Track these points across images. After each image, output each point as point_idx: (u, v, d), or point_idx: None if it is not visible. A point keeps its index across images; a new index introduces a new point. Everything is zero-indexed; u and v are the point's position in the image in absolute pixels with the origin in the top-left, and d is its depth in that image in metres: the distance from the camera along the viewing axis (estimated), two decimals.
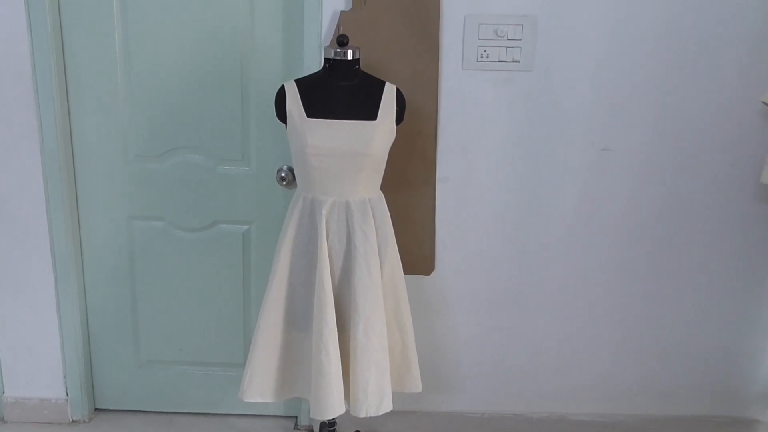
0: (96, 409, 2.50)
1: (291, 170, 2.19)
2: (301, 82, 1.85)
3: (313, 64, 2.08)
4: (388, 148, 1.87)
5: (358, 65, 1.86)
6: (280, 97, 1.84)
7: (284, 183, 2.21)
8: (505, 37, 2.08)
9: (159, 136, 2.23)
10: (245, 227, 2.32)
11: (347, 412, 1.88)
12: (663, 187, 2.22)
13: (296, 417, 2.48)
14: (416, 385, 2.00)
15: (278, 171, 2.22)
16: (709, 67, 2.11)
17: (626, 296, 2.32)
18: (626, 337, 2.36)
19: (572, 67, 2.11)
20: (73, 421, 2.43)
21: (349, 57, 1.83)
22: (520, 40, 2.09)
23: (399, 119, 1.87)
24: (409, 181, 2.20)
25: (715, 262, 2.29)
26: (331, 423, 2.17)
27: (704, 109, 2.15)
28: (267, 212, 2.29)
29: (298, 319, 1.91)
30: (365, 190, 1.85)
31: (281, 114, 1.84)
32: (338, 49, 1.82)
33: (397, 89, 1.87)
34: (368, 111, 1.81)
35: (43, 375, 2.39)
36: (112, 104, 2.21)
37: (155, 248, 2.34)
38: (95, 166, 2.27)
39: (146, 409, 2.49)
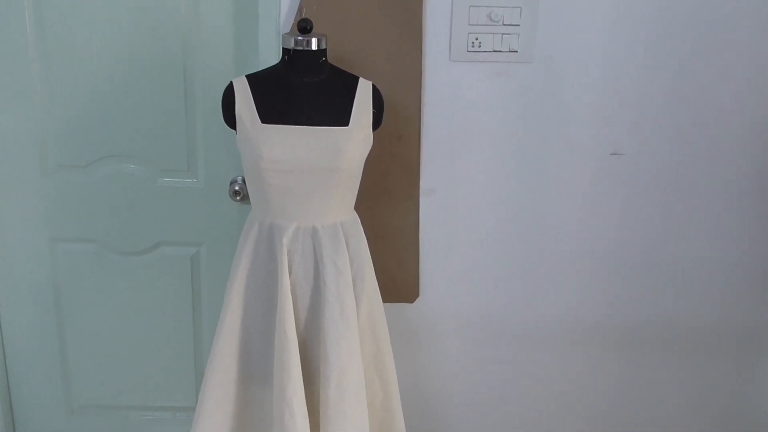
0: None
1: None
2: (253, 79, 1.49)
3: (270, 55, 1.73)
4: (364, 159, 1.53)
5: (325, 57, 1.51)
6: (228, 98, 1.48)
7: (238, 198, 1.87)
8: (501, 23, 1.75)
9: (85, 142, 1.87)
10: (193, 249, 1.98)
11: None
12: (682, 197, 1.92)
13: None
14: None
15: (231, 183, 1.88)
16: (733, 60, 1.82)
17: (642, 323, 2.02)
18: (641, 370, 2.07)
19: (578, 58, 1.80)
20: None
21: (314, 47, 1.47)
22: (518, 25, 1.76)
23: (376, 123, 1.53)
24: (389, 194, 1.87)
25: (746, 284, 2.00)
26: None
27: (729, 109, 1.86)
28: (219, 232, 1.95)
29: (255, 371, 1.56)
30: (336, 213, 1.50)
31: (230, 118, 1.49)
32: (300, 37, 1.46)
33: (374, 86, 1.53)
34: (338, 114, 1.47)
35: None
36: (26, 103, 1.83)
37: (86, 276, 1.98)
38: (7, 179, 1.90)
39: None
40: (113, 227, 1.94)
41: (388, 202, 1.88)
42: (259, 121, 1.44)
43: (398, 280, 1.95)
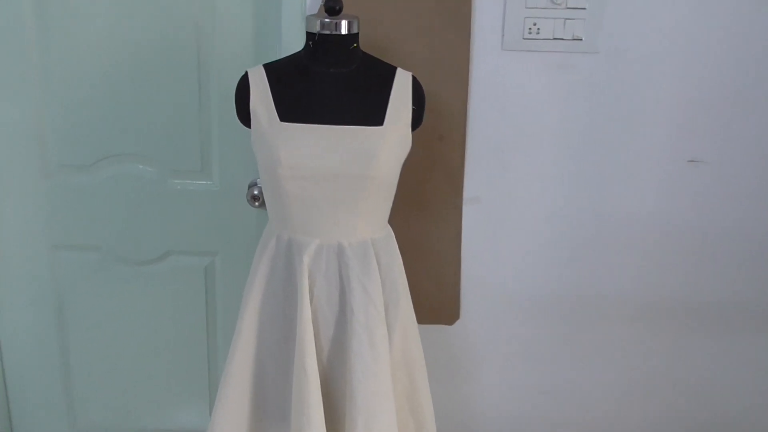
0: None
1: None
2: (272, 69, 1.27)
3: (294, 41, 1.51)
4: (401, 164, 1.29)
5: (357, 43, 1.28)
6: (242, 91, 1.26)
7: (257, 203, 1.66)
8: (564, 5, 1.51)
9: (89, 140, 1.68)
10: (207, 259, 1.78)
11: None
12: None
13: None
14: None
15: (250, 186, 1.67)
16: None
17: (715, 355, 1.76)
18: (707, 406, 1.80)
19: (653, 49, 1.55)
20: None
21: (343, 31, 1.24)
22: (584, 9, 1.51)
23: (416, 122, 1.30)
24: (427, 203, 1.64)
25: None
26: None
27: None
28: (235, 240, 1.75)
29: (270, 407, 1.36)
30: (367, 228, 1.28)
31: (244, 115, 1.27)
32: (327, 19, 1.23)
33: (414, 78, 1.29)
34: (371, 111, 1.24)
35: None
36: (24, 97, 1.64)
37: (89, 287, 1.79)
38: (4, 181, 1.71)
39: None
40: (119, 234, 1.74)
41: (426, 212, 1.65)
42: (278, 118, 1.22)
43: (436, 299, 1.72)
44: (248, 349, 1.32)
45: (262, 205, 1.66)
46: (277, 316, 1.30)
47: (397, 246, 1.35)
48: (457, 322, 1.75)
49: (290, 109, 1.22)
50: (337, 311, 1.28)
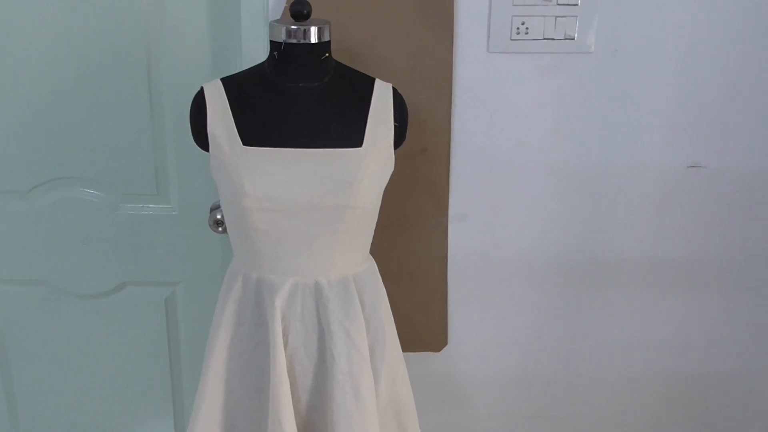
0: None
1: None
2: (232, 84, 1.10)
3: (257, 50, 1.35)
4: (383, 189, 1.14)
5: (329, 52, 1.12)
6: (198, 110, 1.09)
7: (221, 228, 1.50)
8: (554, 2, 1.37)
9: (24, 163, 1.49)
10: (168, 291, 1.61)
11: None
12: None
13: None
14: None
15: (212, 210, 1.51)
16: None
17: (720, 374, 1.65)
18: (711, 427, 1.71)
19: (651, 48, 1.42)
20: None
21: (313, 39, 1.08)
22: (576, 5, 1.37)
23: (399, 140, 1.15)
24: (409, 222, 1.50)
25: None
26: None
27: None
28: (198, 268, 1.58)
29: None
30: (346, 263, 1.12)
31: (200, 137, 1.10)
32: (294, 26, 1.07)
33: (395, 90, 1.14)
34: (349, 131, 1.09)
35: None
36: None
37: (35, 325, 1.61)
38: None
39: None
40: (66, 266, 1.56)
41: (408, 232, 1.51)
42: (240, 142, 1.05)
43: (421, 325, 1.58)
44: (215, 404, 1.16)
45: (227, 230, 1.50)
46: (247, 366, 1.14)
47: (380, 278, 1.21)
48: (444, 349, 1.61)
49: (254, 131, 1.06)
50: (315, 359, 1.13)
